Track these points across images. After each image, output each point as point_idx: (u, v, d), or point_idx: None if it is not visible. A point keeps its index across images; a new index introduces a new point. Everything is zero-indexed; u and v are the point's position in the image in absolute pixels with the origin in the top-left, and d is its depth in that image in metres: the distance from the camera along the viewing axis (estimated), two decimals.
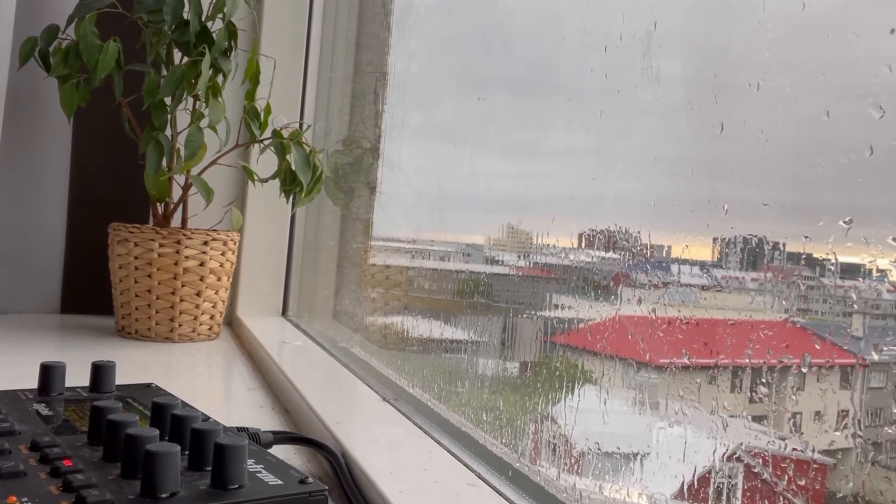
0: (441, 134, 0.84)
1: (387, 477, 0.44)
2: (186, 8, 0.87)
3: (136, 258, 0.93)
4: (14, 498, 0.33)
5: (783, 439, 0.38)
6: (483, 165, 0.73)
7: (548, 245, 0.59)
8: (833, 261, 0.35)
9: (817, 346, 0.36)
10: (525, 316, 0.63)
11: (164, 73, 0.91)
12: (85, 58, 0.85)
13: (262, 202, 1.11)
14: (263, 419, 0.64)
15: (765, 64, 0.41)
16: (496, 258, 0.70)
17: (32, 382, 0.53)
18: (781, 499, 0.37)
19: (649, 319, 0.46)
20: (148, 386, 0.56)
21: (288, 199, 0.95)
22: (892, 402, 0.34)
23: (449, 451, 0.51)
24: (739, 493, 0.41)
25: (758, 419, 0.39)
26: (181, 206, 0.97)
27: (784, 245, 0.39)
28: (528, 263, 0.63)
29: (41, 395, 0.52)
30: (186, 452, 0.38)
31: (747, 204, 0.41)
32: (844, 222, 0.34)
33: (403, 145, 0.96)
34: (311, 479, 0.38)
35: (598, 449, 0.50)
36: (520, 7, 0.70)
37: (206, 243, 0.94)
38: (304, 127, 0.97)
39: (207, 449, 0.37)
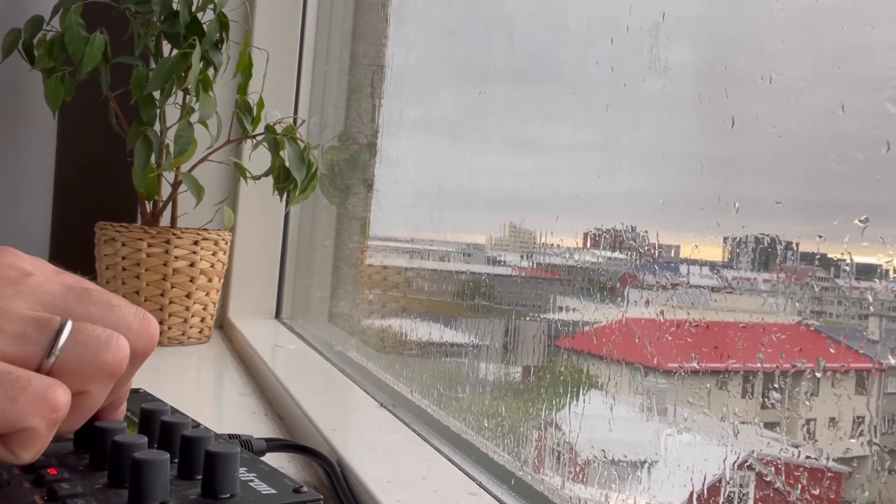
0: (441, 129, 0.84)
1: (384, 486, 0.44)
2: None
3: (123, 258, 0.91)
4: None
5: (796, 447, 0.37)
6: (484, 162, 0.73)
7: (552, 245, 0.58)
8: (848, 261, 0.34)
9: (832, 350, 0.35)
10: (528, 318, 0.63)
11: (153, 65, 0.89)
12: (70, 50, 0.84)
13: (254, 200, 1.10)
14: (256, 426, 0.63)
15: (777, 56, 0.40)
16: (498, 258, 0.70)
17: None
18: None
19: (657, 322, 0.46)
20: (136, 391, 0.55)
21: (281, 197, 0.94)
22: None
23: (449, 459, 0.51)
24: (751, 503, 0.40)
25: (770, 426, 0.39)
26: (170, 205, 0.96)
27: (797, 245, 0.38)
28: (531, 264, 0.63)
29: None
30: (176, 460, 0.37)
31: (759, 202, 0.40)
32: (860, 221, 0.33)
33: (401, 141, 0.96)
34: (305, 488, 0.37)
35: (604, 457, 0.49)
36: None
37: (196, 243, 0.93)
38: (299, 122, 0.96)
39: (198, 457, 0.36)
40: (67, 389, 0.32)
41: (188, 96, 0.90)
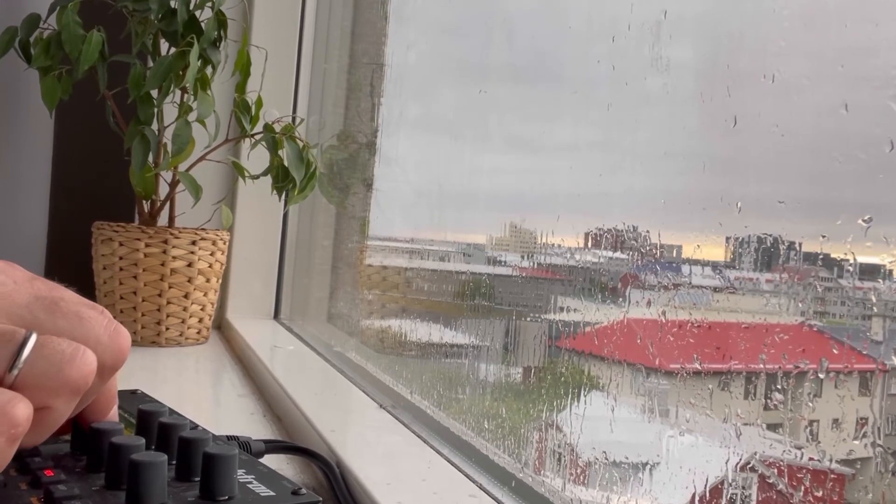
0: (440, 128, 0.83)
1: (384, 488, 0.44)
2: None
3: (120, 258, 0.91)
4: None
5: (799, 448, 0.37)
6: (485, 161, 0.72)
7: (552, 245, 0.58)
8: (851, 261, 0.34)
9: (835, 351, 0.35)
10: (529, 319, 0.63)
11: (151, 64, 0.89)
12: (67, 48, 0.84)
13: (253, 200, 1.10)
14: (254, 427, 0.63)
15: (780, 54, 0.40)
16: (498, 258, 0.70)
17: None
18: None
19: (659, 323, 0.45)
20: (133, 392, 0.55)
21: (280, 197, 0.94)
22: None
23: (449, 461, 0.50)
24: None
25: (773, 427, 0.38)
26: (168, 204, 0.95)
27: (800, 245, 0.38)
28: (531, 264, 0.63)
29: None
30: (174, 462, 0.37)
31: (762, 201, 0.40)
32: (863, 221, 0.33)
33: (401, 140, 0.96)
34: (304, 490, 0.37)
35: (606, 458, 0.49)
36: None
37: (194, 243, 0.93)
38: (297, 121, 0.96)
39: (196, 458, 0.36)
40: (29, 404, 0.31)
41: (186, 95, 0.89)
